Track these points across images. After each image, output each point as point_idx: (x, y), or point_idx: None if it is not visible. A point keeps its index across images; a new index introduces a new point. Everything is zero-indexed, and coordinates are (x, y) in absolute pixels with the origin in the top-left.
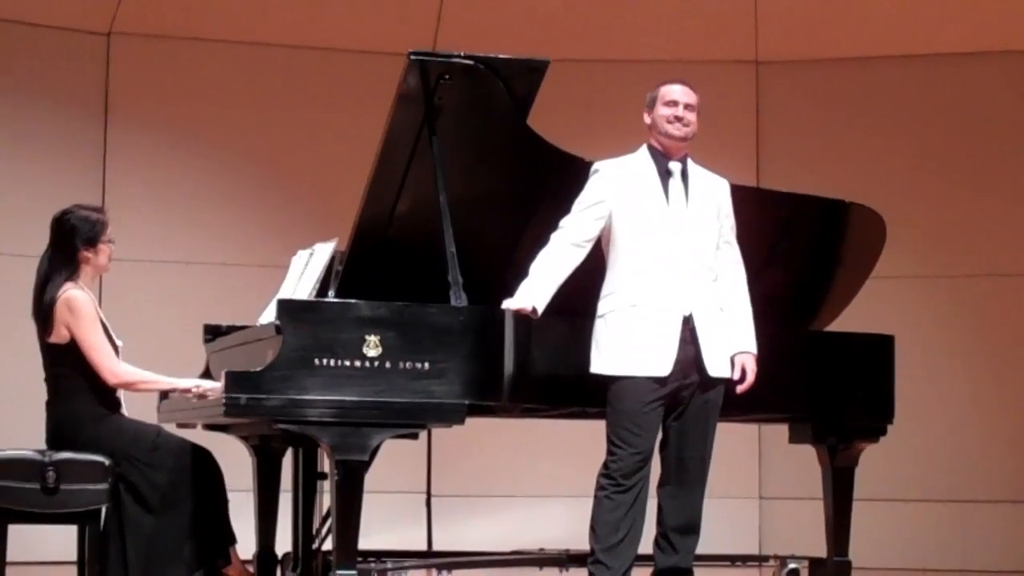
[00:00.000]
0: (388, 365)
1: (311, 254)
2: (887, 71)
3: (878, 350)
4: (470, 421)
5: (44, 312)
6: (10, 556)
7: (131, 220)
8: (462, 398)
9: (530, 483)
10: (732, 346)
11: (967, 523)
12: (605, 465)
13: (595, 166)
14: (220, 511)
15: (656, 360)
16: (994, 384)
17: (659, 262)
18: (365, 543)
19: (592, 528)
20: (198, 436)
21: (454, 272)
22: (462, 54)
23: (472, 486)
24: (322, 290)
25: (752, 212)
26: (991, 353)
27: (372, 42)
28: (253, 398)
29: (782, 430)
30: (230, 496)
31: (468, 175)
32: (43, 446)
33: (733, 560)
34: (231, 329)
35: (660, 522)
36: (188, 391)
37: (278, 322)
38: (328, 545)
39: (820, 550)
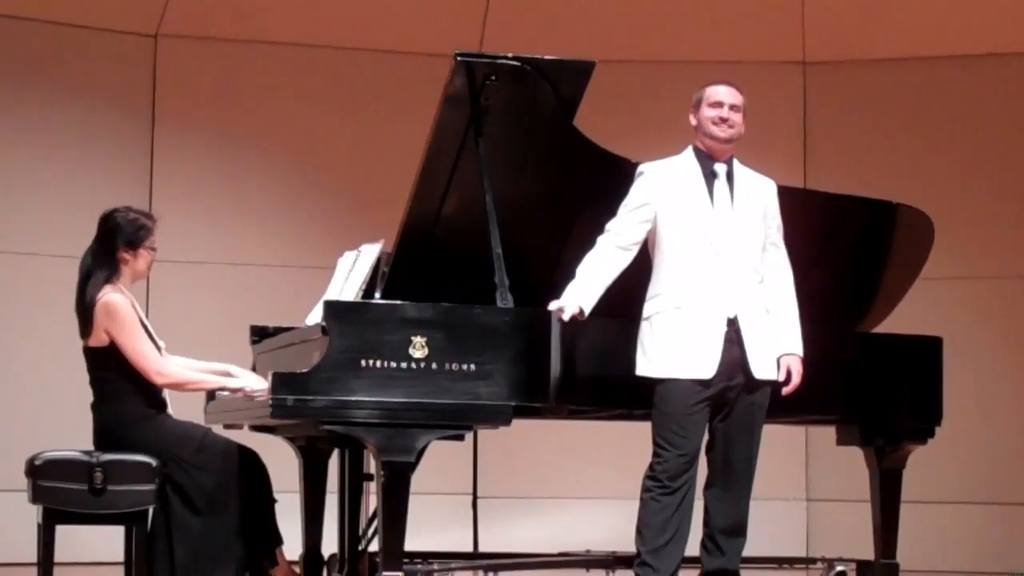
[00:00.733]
0: (434, 366)
1: (357, 255)
2: (935, 71)
3: (926, 352)
4: (516, 423)
5: (84, 312)
6: (58, 557)
7: (178, 221)
8: (508, 399)
9: (576, 485)
10: (778, 348)
11: (1013, 526)
12: (651, 467)
13: (640, 168)
14: (267, 512)
15: (701, 362)
16: None
17: (704, 264)
18: (411, 544)
19: (638, 530)
20: (245, 437)
21: (500, 273)
22: (508, 55)
23: (518, 488)
24: (368, 291)
25: (799, 213)
26: None
27: (418, 43)
28: (300, 399)
29: (829, 432)
30: (276, 497)
31: (514, 176)
32: (89, 447)
33: (780, 562)
34: (278, 330)
35: (707, 524)
36: (237, 391)
37: (324, 323)
38: (374, 546)
39: (868, 552)
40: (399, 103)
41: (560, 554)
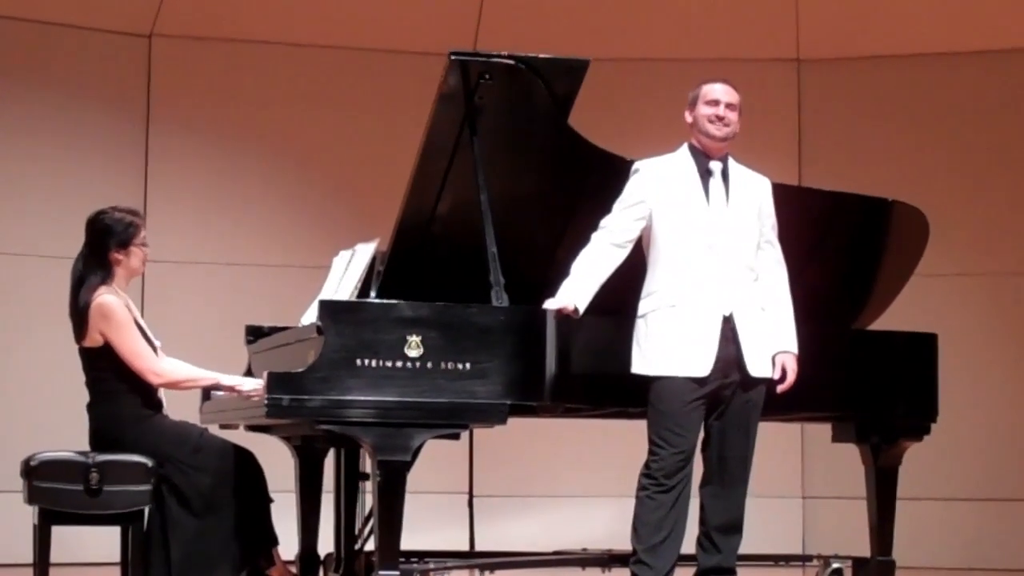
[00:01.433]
0: (430, 365)
1: (352, 254)
2: (929, 68)
3: (922, 348)
4: (512, 421)
5: (79, 315)
6: (54, 557)
7: (173, 221)
8: (504, 398)
9: (572, 483)
10: (773, 345)
11: (1009, 522)
12: (647, 465)
13: (635, 166)
14: (262, 512)
15: (696, 360)
16: None
17: (699, 262)
18: (407, 543)
19: (634, 528)
20: (240, 437)
21: (495, 272)
22: (503, 54)
23: (514, 486)
24: (364, 290)
25: (794, 211)
26: None
27: (413, 42)
28: (295, 399)
29: (825, 429)
30: (272, 497)
31: (509, 175)
32: (85, 447)
33: (776, 560)
34: (273, 330)
35: (703, 522)
36: (232, 389)
37: (320, 323)
38: (370, 545)
39: (864, 550)
40: (393, 102)
41: (556, 552)
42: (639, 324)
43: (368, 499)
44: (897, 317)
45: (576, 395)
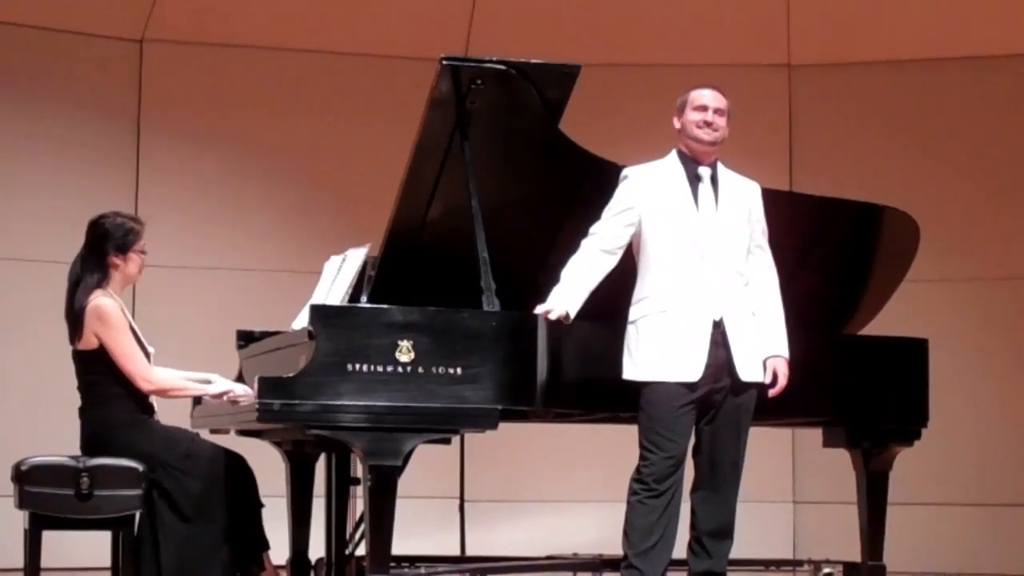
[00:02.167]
0: (421, 370)
1: (344, 259)
2: (920, 74)
3: (912, 353)
4: (503, 426)
5: (74, 317)
6: (44, 562)
7: (164, 226)
8: (495, 403)
9: (563, 488)
10: (764, 350)
11: (999, 527)
12: (638, 470)
13: (624, 172)
14: (254, 517)
15: (687, 365)
16: None
17: (689, 267)
18: (398, 548)
19: (625, 533)
20: (231, 442)
21: (487, 277)
22: (494, 59)
23: (505, 491)
24: (355, 295)
25: (785, 216)
26: (1022, 356)
27: (404, 47)
28: (286, 404)
29: (816, 434)
30: (263, 501)
31: (500, 180)
32: (76, 452)
33: (767, 564)
34: (264, 335)
35: (694, 526)
36: (220, 396)
37: (311, 328)
38: (361, 550)
39: (854, 554)
40: (385, 107)
41: (547, 557)
42: (630, 330)
43: (359, 504)
44: (888, 322)
45: (567, 400)
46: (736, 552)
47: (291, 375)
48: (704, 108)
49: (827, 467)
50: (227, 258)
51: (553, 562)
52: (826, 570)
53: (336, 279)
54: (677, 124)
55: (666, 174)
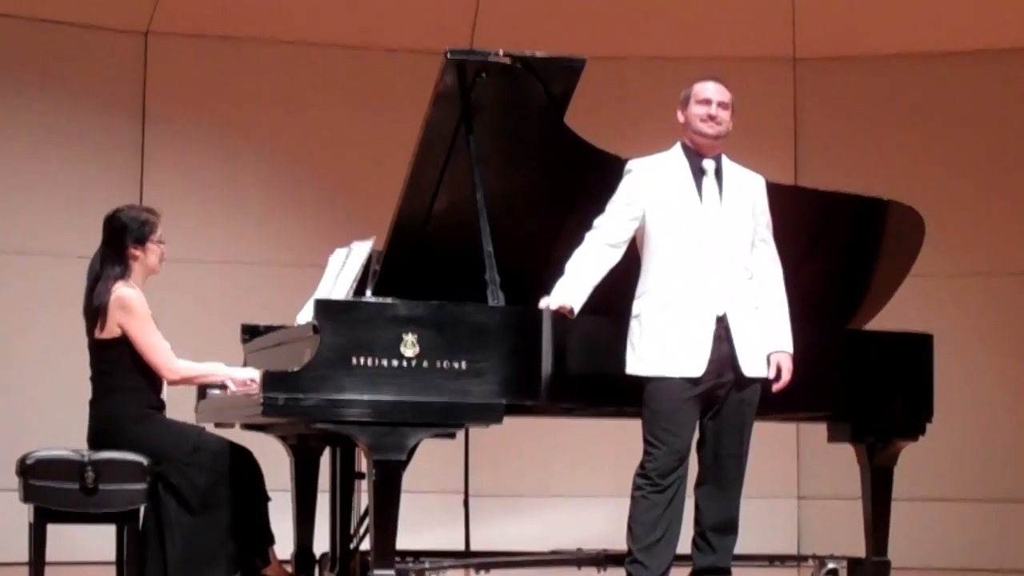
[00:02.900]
0: (425, 365)
1: (348, 253)
2: (926, 68)
3: (917, 348)
4: (508, 420)
5: (95, 310)
6: (49, 556)
7: (168, 220)
8: (500, 397)
9: (568, 483)
10: (768, 345)
11: (1004, 522)
12: (642, 465)
13: (628, 165)
14: (259, 511)
15: (690, 360)
16: None
17: (693, 261)
18: (403, 543)
19: (629, 528)
20: (237, 436)
21: (491, 271)
22: (499, 52)
23: (510, 486)
24: (359, 289)
25: (790, 210)
26: None
27: (409, 40)
28: (291, 398)
29: (820, 429)
30: (270, 496)
31: (505, 173)
32: (81, 446)
33: (771, 560)
34: (269, 329)
35: (698, 521)
36: (245, 383)
37: (316, 322)
38: (366, 545)
39: (859, 550)
40: (390, 100)
41: (551, 552)
42: (633, 324)
43: (364, 498)
44: (893, 317)
45: (571, 394)
46: (740, 547)
47: (296, 369)
48: (708, 102)
49: (831, 462)
50: (232, 252)
51: (557, 557)
52: (830, 565)
53: (341, 273)
54: (681, 117)
55: (670, 167)
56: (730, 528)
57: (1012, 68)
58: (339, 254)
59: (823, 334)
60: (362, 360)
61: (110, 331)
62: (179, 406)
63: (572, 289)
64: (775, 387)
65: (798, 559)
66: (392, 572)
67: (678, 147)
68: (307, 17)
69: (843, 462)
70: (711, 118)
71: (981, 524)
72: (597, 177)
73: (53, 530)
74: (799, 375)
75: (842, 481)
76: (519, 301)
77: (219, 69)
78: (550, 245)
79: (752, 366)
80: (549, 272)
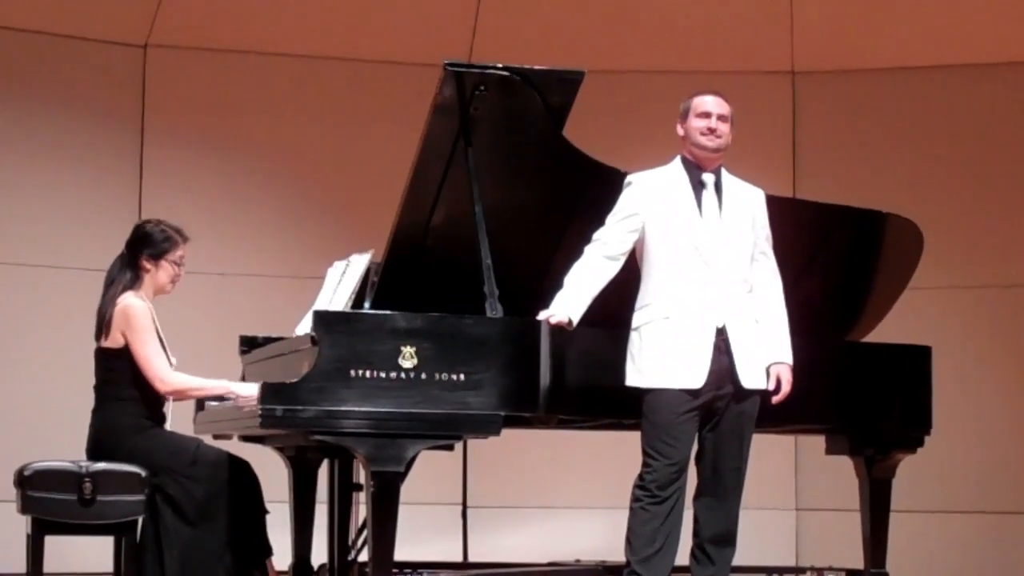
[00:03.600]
0: (424, 376)
1: (347, 265)
2: (924, 81)
3: (915, 361)
4: (506, 432)
5: (101, 317)
6: (47, 567)
7: None
8: (498, 409)
9: (566, 494)
10: (767, 357)
11: (1003, 534)
12: (640, 477)
13: (628, 178)
14: (257, 523)
15: (689, 372)
16: None
17: (693, 274)
18: (401, 554)
19: (628, 540)
20: (235, 448)
21: (490, 283)
22: (498, 65)
23: (508, 497)
24: (358, 301)
25: (789, 223)
26: None
27: (408, 53)
28: (289, 410)
29: (819, 441)
30: (268, 508)
31: (503, 186)
32: (79, 457)
33: (770, 572)
34: (267, 340)
35: (696, 533)
36: (242, 398)
37: (314, 333)
38: (364, 556)
39: (857, 562)
40: (388, 113)
41: (550, 564)
42: (633, 336)
43: (362, 510)
44: (891, 329)
45: (570, 406)
46: (739, 559)
47: (294, 381)
48: (707, 115)
49: (830, 474)
50: (230, 264)
51: (555, 568)
52: None
53: (339, 285)
54: (680, 131)
55: (670, 180)
56: (729, 540)
57: (1010, 81)
58: (337, 266)
59: (822, 346)
60: (360, 372)
61: (114, 340)
62: (180, 420)
63: (571, 301)
64: (774, 399)
65: (796, 571)
66: None
67: (678, 160)
68: (306, 30)
69: (841, 474)
70: (711, 131)
71: (979, 536)
72: (596, 190)
73: (51, 541)
74: (798, 387)
75: (840, 493)
76: (518, 313)
77: (218, 82)
78: (549, 257)
79: (751, 378)
80: (548, 284)
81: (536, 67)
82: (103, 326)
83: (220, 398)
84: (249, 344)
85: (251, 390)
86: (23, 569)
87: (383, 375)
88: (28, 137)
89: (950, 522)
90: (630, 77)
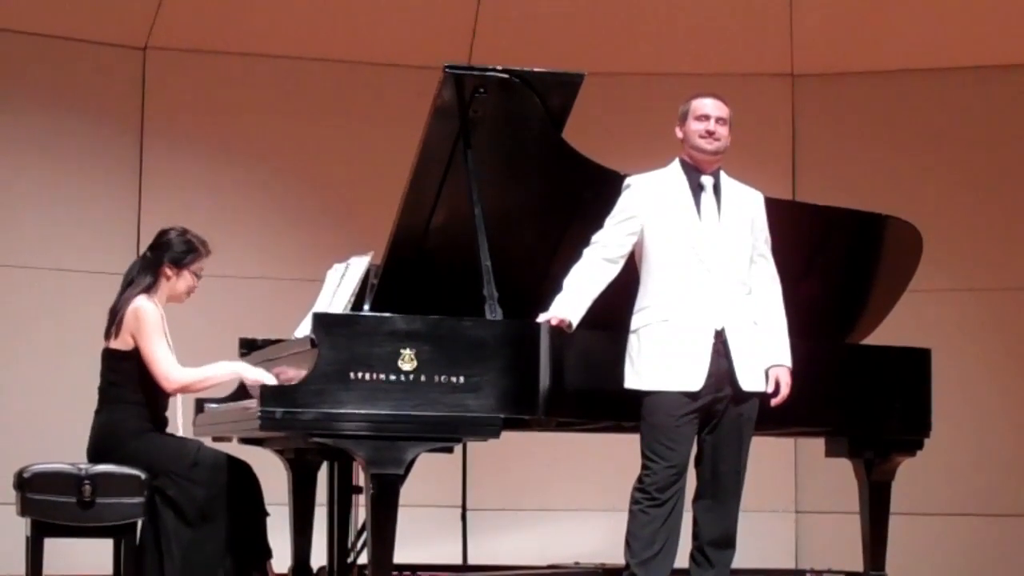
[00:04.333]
0: (423, 379)
1: (347, 267)
2: (924, 84)
3: (915, 363)
4: (505, 435)
5: (115, 313)
6: (46, 569)
7: None
8: (497, 412)
9: (565, 497)
10: (766, 359)
11: (1003, 537)
12: (640, 479)
13: (627, 181)
14: (257, 525)
15: (688, 374)
16: None
17: (691, 276)
18: (400, 557)
19: (627, 542)
20: (234, 450)
21: (489, 286)
22: (497, 67)
23: (507, 500)
24: (357, 303)
25: (788, 225)
26: None
27: (408, 55)
28: (288, 412)
29: (818, 444)
30: (268, 511)
31: (503, 188)
32: (78, 459)
33: (769, 574)
34: (266, 343)
35: (696, 536)
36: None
37: (313, 336)
38: (363, 559)
39: (856, 564)
40: (388, 115)
41: (549, 566)
42: (631, 339)
43: (361, 512)
44: (891, 332)
45: (569, 409)
46: (738, 562)
47: (294, 383)
48: (706, 117)
49: (829, 477)
50: (230, 266)
51: (555, 571)
52: None
53: (339, 287)
54: (679, 133)
55: (669, 183)
56: (728, 542)
57: (1010, 84)
58: (337, 269)
59: (821, 349)
60: (360, 374)
61: (123, 341)
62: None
63: (570, 304)
64: (773, 402)
65: (796, 574)
66: None
67: (677, 163)
68: (305, 32)
69: (841, 476)
70: (709, 134)
71: (979, 539)
72: (596, 192)
73: (50, 544)
74: (797, 390)
75: (840, 495)
76: (517, 315)
77: (217, 84)
78: (548, 259)
79: (750, 381)
80: (547, 287)
81: (536, 69)
82: (114, 326)
83: (222, 400)
84: (248, 346)
85: (258, 374)
86: (23, 571)
87: (382, 377)
88: (27, 139)
89: (950, 525)
90: (630, 79)
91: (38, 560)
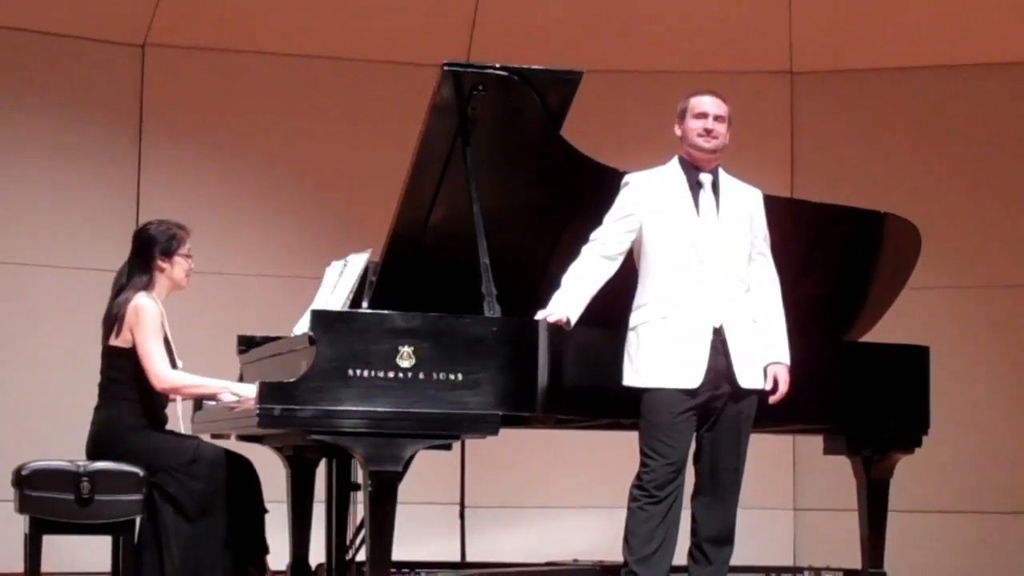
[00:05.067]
0: (422, 376)
1: (345, 265)
2: (922, 81)
3: (913, 361)
4: (504, 432)
5: (112, 318)
6: (44, 567)
7: None
8: (496, 409)
9: (564, 494)
10: (765, 357)
11: (1001, 534)
12: (638, 476)
13: (626, 178)
14: (256, 521)
15: (686, 372)
16: None
17: (690, 274)
18: (398, 554)
19: (625, 539)
20: (233, 447)
21: (488, 283)
22: (496, 65)
23: (506, 497)
24: (356, 301)
25: (787, 223)
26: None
27: (406, 53)
28: (287, 409)
29: (816, 441)
30: (267, 507)
31: (502, 186)
32: (76, 456)
33: (767, 571)
34: (265, 340)
35: (694, 533)
36: (237, 401)
37: (312, 333)
38: (361, 556)
39: (855, 561)
40: (387, 113)
41: (547, 564)
42: (630, 336)
43: (359, 509)
44: (889, 329)
45: (568, 406)
46: (736, 559)
47: (292, 380)
48: (704, 115)
49: (828, 474)
50: (228, 263)
51: (553, 568)
52: None
53: (337, 284)
54: (678, 131)
55: (667, 181)
56: (726, 539)
57: (1009, 81)
58: (335, 266)
59: (820, 346)
60: (358, 371)
61: (123, 338)
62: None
63: (569, 301)
64: (772, 399)
65: (794, 571)
66: None
67: (675, 161)
68: (304, 30)
69: (839, 474)
70: (708, 132)
71: (978, 536)
72: (594, 190)
73: (49, 541)
74: (796, 387)
75: (838, 493)
76: (515, 313)
77: (216, 81)
78: (547, 257)
79: (749, 378)
80: (546, 284)
81: (534, 67)
82: (114, 324)
83: (214, 398)
84: (247, 343)
85: (251, 391)
86: (21, 569)
87: (381, 375)
88: (26, 136)
89: (948, 522)
90: (628, 77)
91: (36, 557)
